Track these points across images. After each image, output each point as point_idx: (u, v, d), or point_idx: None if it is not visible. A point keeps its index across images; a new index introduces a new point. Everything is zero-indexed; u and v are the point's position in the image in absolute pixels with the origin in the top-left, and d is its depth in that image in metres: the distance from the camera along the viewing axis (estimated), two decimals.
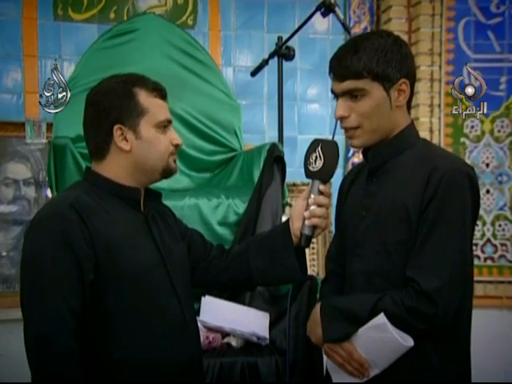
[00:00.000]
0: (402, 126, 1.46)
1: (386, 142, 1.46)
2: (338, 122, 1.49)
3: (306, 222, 1.44)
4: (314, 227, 1.45)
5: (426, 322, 1.35)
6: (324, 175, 1.43)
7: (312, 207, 1.43)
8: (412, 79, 1.44)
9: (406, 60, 1.43)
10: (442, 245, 1.35)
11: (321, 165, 1.42)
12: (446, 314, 1.35)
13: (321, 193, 1.44)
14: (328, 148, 1.43)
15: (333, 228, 1.84)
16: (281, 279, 1.60)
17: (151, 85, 1.44)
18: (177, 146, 1.46)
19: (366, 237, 1.46)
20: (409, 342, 1.36)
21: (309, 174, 1.45)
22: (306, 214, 1.44)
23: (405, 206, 1.38)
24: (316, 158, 1.43)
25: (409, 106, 1.48)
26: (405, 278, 1.37)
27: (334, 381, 1.48)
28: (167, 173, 1.46)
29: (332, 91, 1.46)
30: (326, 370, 1.53)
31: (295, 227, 1.49)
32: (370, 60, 1.38)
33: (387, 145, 1.46)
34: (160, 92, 1.45)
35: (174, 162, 1.47)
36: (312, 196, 1.44)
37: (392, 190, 1.43)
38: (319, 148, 1.43)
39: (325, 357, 1.51)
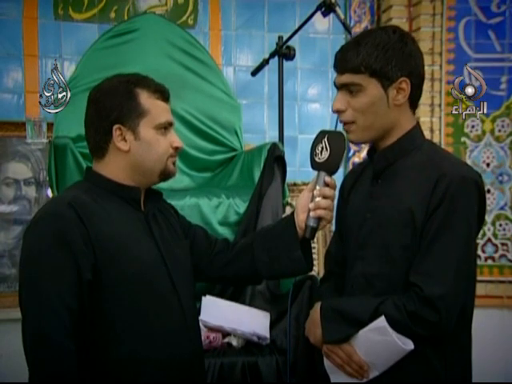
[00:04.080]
0: (407, 127, 1.44)
1: (391, 145, 1.44)
2: (339, 122, 1.48)
3: (311, 214, 1.44)
4: (319, 219, 1.44)
5: (428, 329, 1.34)
6: (330, 166, 1.42)
7: (317, 199, 1.43)
8: (416, 78, 1.42)
9: (410, 58, 1.40)
10: (447, 252, 1.34)
11: (327, 156, 1.42)
12: (448, 321, 1.34)
13: (326, 184, 1.44)
14: (334, 139, 1.42)
15: (333, 228, 1.83)
16: (286, 272, 1.59)
17: (154, 86, 1.44)
18: (177, 149, 1.45)
19: (370, 239, 1.45)
20: (409, 345, 1.35)
21: (315, 165, 1.44)
22: (312, 205, 1.43)
23: (410, 210, 1.37)
24: (322, 148, 1.42)
25: (415, 106, 1.46)
26: (407, 282, 1.37)
27: (332, 381, 1.47)
28: (165, 175, 1.45)
29: (335, 84, 1.46)
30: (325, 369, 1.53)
31: (300, 219, 1.49)
32: (369, 56, 1.37)
33: (392, 147, 1.44)
34: (162, 94, 1.44)
35: (174, 164, 1.46)
36: (317, 187, 1.43)
37: (397, 192, 1.42)
38: (325, 139, 1.42)
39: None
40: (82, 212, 1.31)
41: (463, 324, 1.42)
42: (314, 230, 1.45)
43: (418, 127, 1.47)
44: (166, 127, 1.44)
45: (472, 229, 1.37)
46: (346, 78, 1.40)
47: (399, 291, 1.37)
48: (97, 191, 1.40)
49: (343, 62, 1.41)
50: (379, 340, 1.35)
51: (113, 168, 1.42)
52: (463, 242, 1.35)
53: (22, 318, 1.30)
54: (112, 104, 1.39)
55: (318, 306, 1.49)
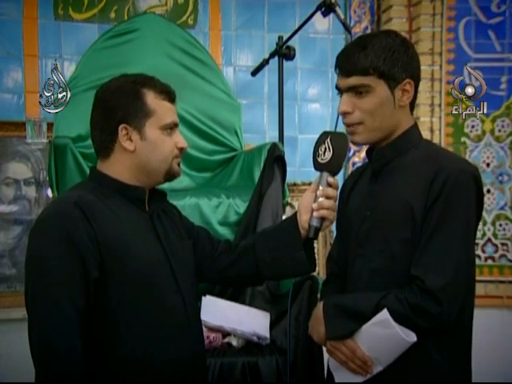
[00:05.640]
0: (406, 127, 1.46)
1: (390, 143, 1.46)
2: (339, 121, 1.49)
3: (315, 214, 1.44)
4: (322, 219, 1.45)
5: (430, 321, 1.35)
6: (333, 167, 1.44)
7: (320, 199, 1.44)
8: (416, 81, 1.45)
9: (412, 61, 1.44)
10: (447, 244, 1.35)
11: (330, 156, 1.43)
12: (450, 312, 1.35)
13: (329, 185, 1.45)
14: (337, 140, 1.44)
15: (333, 228, 1.83)
16: (289, 272, 1.59)
17: (160, 87, 1.44)
18: (182, 150, 1.46)
19: (370, 236, 1.46)
20: (412, 337, 1.36)
21: (317, 165, 1.45)
22: (315, 205, 1.44)
23: (409, 205, 1.39)
24: (325, 149, 1.44)
25: (412, 107, 1.49)
26: (409, 276, 1.38)
27: (336, 380, 1.47)
28: (170, 175, 1.46)
29: (337, 87, 1.47)
30: (328, 370, 1.53)
31: (303, 219, 1.49)
32: (377, 58, 1.40)
33: (391, 145, 1.46)
34: (168, 95, 1.45)
35: (178, 165, 1.47)
36: (320, 188, 1.45)
37: (396, 189, 1.44)
38: (328, 140, 1.44)
39: (326, 356, 1.51)
40: (87, 211, 1.32)
41: (464, 318, 1.43)
42: (318, 230, 1.46)
43: (415, 126, 1.49)
44: (171, 128, 1.44)
45: (470, 220, 1.39)
46: (354, 80, 1.41)
47: (402, 286, 1.38)
48: (102, 191, 1.40)
49: (350, 64, 1.42)
50: (382, 333, 1.36)
51: (118, 168, 1.43)
52: (462, 233, 1.37)
53: (29, 319, 1.30)
54: (118, 103, 1.40)
55: (320, 304, 1.50)
